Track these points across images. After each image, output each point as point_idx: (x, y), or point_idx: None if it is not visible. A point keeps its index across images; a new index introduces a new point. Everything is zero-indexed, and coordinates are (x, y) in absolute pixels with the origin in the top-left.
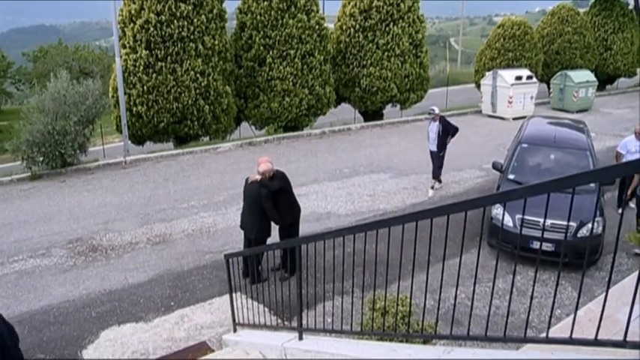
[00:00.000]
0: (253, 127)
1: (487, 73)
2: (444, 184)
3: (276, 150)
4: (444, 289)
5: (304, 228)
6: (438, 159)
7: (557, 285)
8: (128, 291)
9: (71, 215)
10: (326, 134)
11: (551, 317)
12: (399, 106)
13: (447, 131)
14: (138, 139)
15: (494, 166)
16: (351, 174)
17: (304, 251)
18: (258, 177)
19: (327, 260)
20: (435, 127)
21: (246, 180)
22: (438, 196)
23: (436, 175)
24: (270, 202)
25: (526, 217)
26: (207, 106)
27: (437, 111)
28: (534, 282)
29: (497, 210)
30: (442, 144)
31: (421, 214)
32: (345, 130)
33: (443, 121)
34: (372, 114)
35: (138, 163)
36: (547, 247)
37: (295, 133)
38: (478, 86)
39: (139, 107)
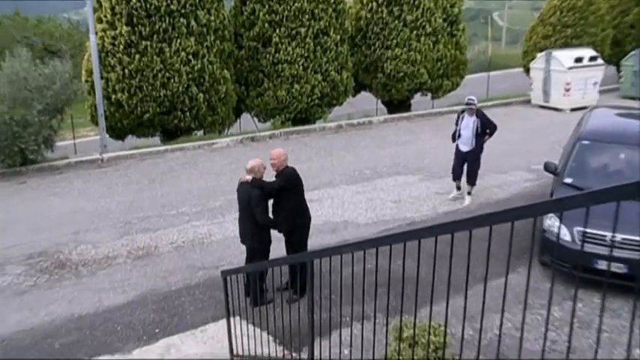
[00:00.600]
0: (256, 120)
1: (539, 55)
2: (483, 188)
3: (284, 146)
4: (486, 316)
5: (317, 240)
6: (474, 162)
7: (633, 317)
8: (102, 316)
9: (32, 224)
10: (343, 128)
11: (628, 359)
12: (430, 95)
13: (485, 129)
14: (117, 132)
15: (547, 168)
16: (372, 176)
17: (317, 268)
18: (249, 177)
19: (345, 279)
20: (471, 123)
21: (239, 181)
22: (477, 203)
23: (472, 180)
24: (263, 205)
25: (589, 230)
26: (201, 94)
27: (476, 102)
28: (602, 312)
29: (550, 221)
30: (480, 144)
31: (457, 224)
32: (366, 123)
33: (481, 115)
34: (397, 104)
35: (117, 162)
36: (617, 268)
37: (306, 127)
38: (527, 71)
39: (119, 94)
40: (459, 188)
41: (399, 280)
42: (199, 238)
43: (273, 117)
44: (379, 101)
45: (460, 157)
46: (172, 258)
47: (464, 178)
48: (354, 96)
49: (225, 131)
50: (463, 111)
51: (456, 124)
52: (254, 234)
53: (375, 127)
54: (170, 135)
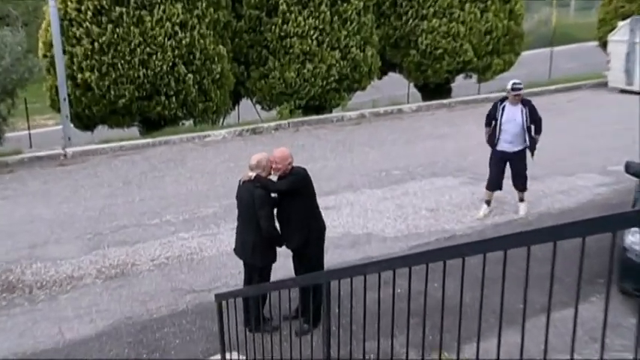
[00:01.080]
0: (259, 107)
1: (620, 24)
2: (543, 194)
3: (293, 141)
4: (549, 356)
5: (333, 256)
6: (521, 163)
7: None
8: (63, 352)
9: None
10: (366, 118)
11: None
12: (475, 76)
13: (534, 121)
14: (85, 121)
15: (629, 169)
16: (402, 178)
17: (334, 291)
18: (252, 174)
19: (369, 305)
20: (518, 114)
21: (239, 181)
22: (535, 213)
23: (522, 184)
24: (268, 208)
25: None
26: (190, 75)
27: (522, 86)
28: None
29: (635, 237)
30: (533, 142)
31: (511, 239)
32: (395, 112)
33: (529, 104)
34: (434, 89)
35: (85, 158)
36: None
37: (321, 117)
38: (604, 45)
39: (87, 74)
40: (489, 203)
41: (437, 308)
42: (188, 254)
43: (279, 104)
44: (411, 85)
45: (502, 161)
46: (154, 278)
47: (499, 192)
48: (380, 78)
49: (221, 121)
50: (503, 99)
51: (490, 119)
52: (256, 247)
53: (407, 117)
54: (151, 125)
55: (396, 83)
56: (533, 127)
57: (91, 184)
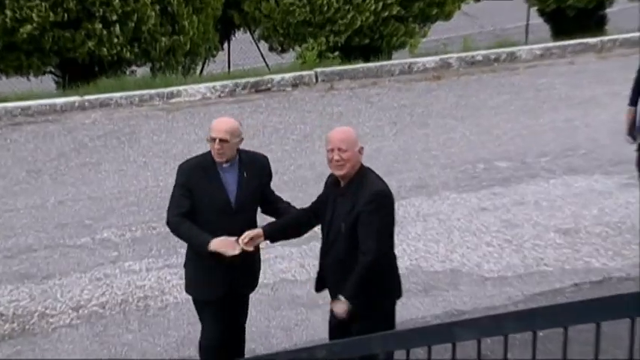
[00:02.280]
0: (265, 46)
1: None
2: None
3: (324, 105)
4: None
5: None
6: None
7: None
8: None
9: None
10: (452, 69)
11: None
12: None
13: None
14: None
15: None
16: (515, 174)
17: None
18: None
19: None
20: None
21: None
22: None
23: None
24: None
25: None
26: None
27: None
28: None
29: None
30: None
31: None
32: (504, 58)
33: None
34: (575, 18)
35: None
36: None
37: (373, 65)
38: None
39: None
40: None
41: None
42: (139, 298)
43: (300, 43)
44: (533, 11)
45: None
46: (78, 340)
47: None
48: (477, 0)
49: (199, 70)
50: None
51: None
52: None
53: (524, 66)
54: (78, 74)
55: (505, 9)
56: None
57: None
